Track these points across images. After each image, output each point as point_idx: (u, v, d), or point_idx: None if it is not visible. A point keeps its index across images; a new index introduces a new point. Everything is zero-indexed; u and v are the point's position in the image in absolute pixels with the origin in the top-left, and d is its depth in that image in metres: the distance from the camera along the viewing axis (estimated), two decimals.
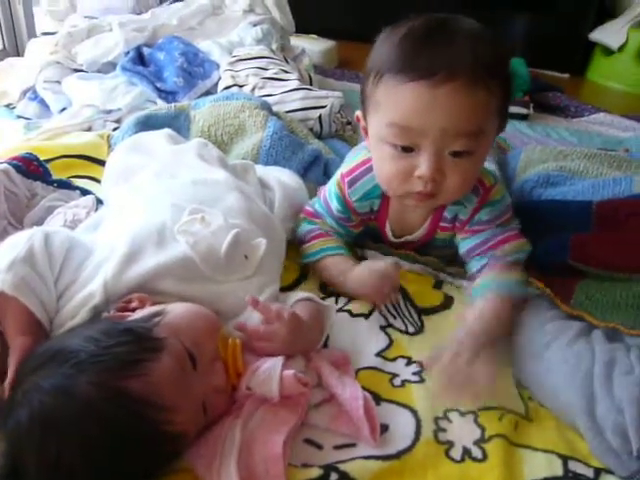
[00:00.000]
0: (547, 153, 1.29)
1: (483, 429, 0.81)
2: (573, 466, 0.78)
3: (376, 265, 1.02)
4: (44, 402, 0.63)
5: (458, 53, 0.85)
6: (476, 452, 0.78)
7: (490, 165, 1.14)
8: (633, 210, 0.99)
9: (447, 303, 1.05)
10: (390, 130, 0.90)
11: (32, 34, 2.21)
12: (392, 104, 0.89)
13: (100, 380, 0.65)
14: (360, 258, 1.12)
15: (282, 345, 0.82)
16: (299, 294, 0.94)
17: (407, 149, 0.89)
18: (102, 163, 1.30)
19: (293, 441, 0.76)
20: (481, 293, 0.98)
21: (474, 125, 0.87)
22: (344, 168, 1.09)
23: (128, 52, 1.86)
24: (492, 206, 1.02)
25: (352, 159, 1.11)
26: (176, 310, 0.77)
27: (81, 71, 1.85)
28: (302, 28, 2.40)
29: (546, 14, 2.86)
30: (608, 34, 2.80)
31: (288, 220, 1.13)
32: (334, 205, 1.10)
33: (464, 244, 1.06)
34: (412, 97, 0.86)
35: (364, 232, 1.16)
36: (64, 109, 1.68)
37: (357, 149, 1.30)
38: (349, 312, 1.00)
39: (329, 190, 1.11)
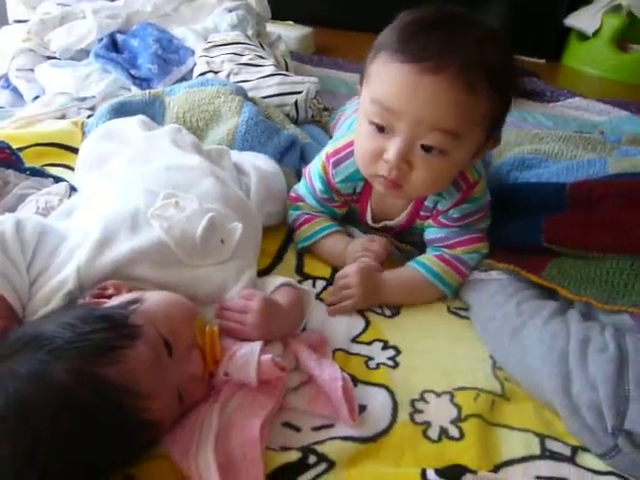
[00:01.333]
0: (522, 136, 1.30)
1: (459, 408, 0.82)
2: (550, 444, 0.79)
3: (362, 237, 1.08)
4: (19, 389, 0.62)
5: (455, 46, 0.82)
6: (453, 431, 0.79)
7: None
8: (607, 191, 1.00)
9: None
10: (371, 106, 0.89)
11: (4, 21, 2.17)
12: (379, 80, 0.88)
13: (76, 366, 0.64)
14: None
15: (256, 330, 0.82)
16: (278, 279, 0.94)
17: (382, 129, 0.88)
18: (76, 151, 1.28)
19: (271, 425, 0.76)
20: (411, 262, 1.06)
21: (452, 124, 0.84)
22: (330, 147, 1.09)
23: (102, 39, 1.83)
24: (469, 203, 1.02)
25: (340, 137, 1.11)
26: (153, 298, 0.77)
27: (54, 58, 1.82)
28: (278, 15, 2.39)
29: (521, 0, 2.87)
30: (583, 20, 2.82)
31: (264, 205, 1.13)
32: (317, 186, 1.11)
33: (428, 232, 1.08)
34: (397, 78, 0.84)
35: (345, 215, 1.17)
36: (37, 97, 1.65)
37: (346, 123, 1.31)
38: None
39: (313, 170, 1.12)
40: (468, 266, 1.04)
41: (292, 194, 1.17)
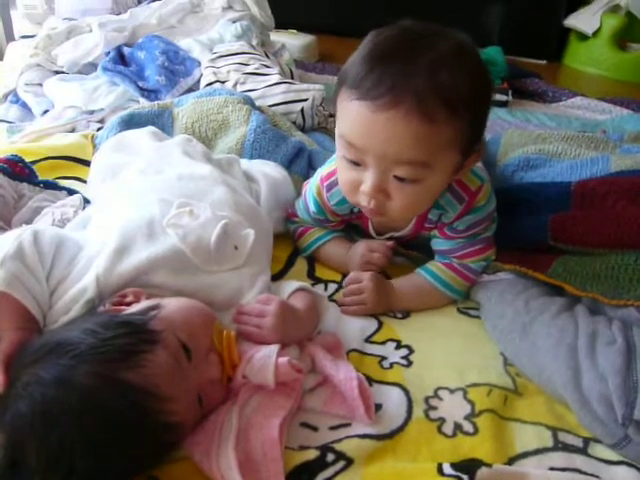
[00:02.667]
0: (526, 137, 1.31)
1: (473, 404, 0.84)
2: (562, 437, 0.81)
3: (365, 245, 1.09)
4: (45, 394, 0.64)
5: (408, 79, 0.80)
6: (467, 427, 0.80)
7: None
8: (611, 188, 1.01)
9: None
10: (340, 141, 0.89)
11: (10, 37, 2.21)
12: (342, 117, 0.88)
13: (100, 371, 0.66)
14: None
15: (273, 333, 0.84)
16: (294, 284, 0.96)
17: (356, 163, 0.88)
18: (87, 164, 1.30)
19: (289, 425, 0.77)
20: (420, 270, 1.08)
21: (416, 156, 0.83)
22: (324, 170, 1.09)
23: (108, 52, 1.86)
24: (475, 213, 1.00)
25: (332, 160, 1.09)
26: (171, 304, 0.78)
27: (62, 73, 1.85)
28: (282, 24, 2.41)
29: (521, 2, 2.89)
30: (582, 20, 2.84)
31: (274, 211, 1.16)
32: (311, 207, 1.12)
33: (435, 242, 1.08)
34: (356, 116, 0.83)
35: (348, 226, 1.18)
36: (46, 111, 1.68)
37: None
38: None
39: (309, 191, 1.12)
40: (476, 273, 1.05)
41: (290, 209, 1.19)
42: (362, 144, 0.84)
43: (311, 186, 1.11)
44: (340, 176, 0.95)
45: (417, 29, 0.86)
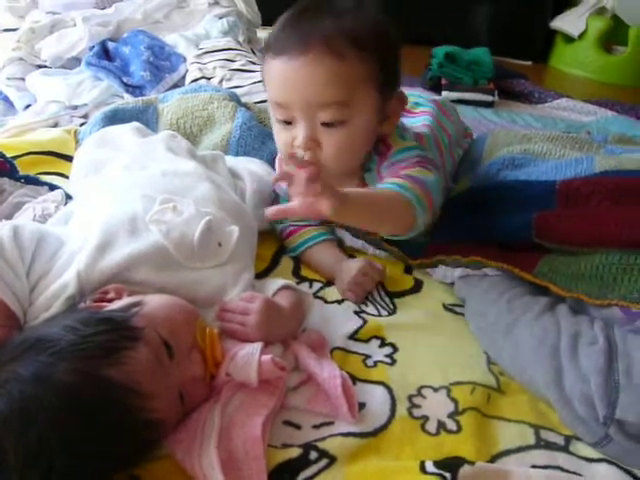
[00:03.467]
0: (512, 137, 1.31)
1: (456, 402, 0.84)
2: (545, 435, 0.81)
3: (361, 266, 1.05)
4: (24, 391, 0.63)
5: (315, 27, 0.88)
6: (451, 425, 0.80)
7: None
8: (595, 188, 1.01)
9: (417, 286, 1.09)
10: (270, 106, 0.97)
11: None
12: (266, 81, 0.96)
13: (80, 368, 0.65)
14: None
15: (257, 331, 0.83)
16: (278, 282, 0.95)
17: (287, 122, 0.94)
18: (69, 159, 1.29)
19: (272, 423, 0.77)
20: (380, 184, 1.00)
21: (337, 96, 0.90)
22: None
23: (93, 47, 1.85)
24: (395, 155, 1.02)
25: None
26: (154, 301, 0.78)
27: (45, 67, 1.84)
28: (268, 21, 2.40)
29: (508, 3, 2.91)
30: (568, 22, 2.86)
31: (260, 208, 1.14)
32: (283, 185, 1.11)
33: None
34: (276, 73, 0.92)
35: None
36: (29, 106, 1.66)
37: None
38: (323, 299, 1.03)
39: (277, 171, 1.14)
40: (426, 185, 0.95)
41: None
42: (285, 98, 0.92)
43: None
44: (277, 140, 1.02)
45: None
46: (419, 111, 1.27)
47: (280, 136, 0.98)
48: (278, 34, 0.92)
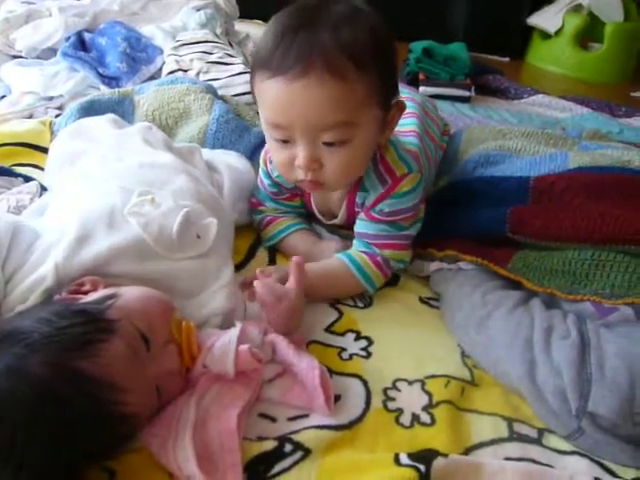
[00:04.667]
0: (487, 132, 1.32)
1: (431, 395, 0.84)
2: (518, 427, 0.82)
3: (334, 249, 1.07)
4: None
5: (314, 45, 0.83)
6: (425, 417, 0.81)
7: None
8: (568, 184, 1.02)
9: (394, 280, 1.09)
10: (265, 126, 0.93)
11: None
12: (261, 101, 0.91)
13: (53, 360, 0.65)
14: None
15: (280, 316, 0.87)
16: None
17: (285, 141, 0.91)
18: (45, 150, 1.28)
19: (248, 416, 0.77)
20: (341, 256, 1.04)
21: (339, 117, 0.86)
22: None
23: (69, 37, 1.83)
24: (398, 198, 1.01)
25: None
26: (129, 293, 0.77)
27: (20, 57, 1.81)
28: (246, 14, 2.39)
29: (485, 0, 2.92)
30: (545, 19, 2.88)
31: (238, 202, 1.15)
32: (265, 181, 1.13)
33: (358, 225, 1.06)
34: (273, 94, 0.87)
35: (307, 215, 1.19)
36: (3, 97, 1.64)
37: None
38: None
39: (260, 165, 1.13)
40: (391, 270, 1.05)
41: (252, 199, 1.18)
42: (286, 121, 0.88)
43: (260, 160, 1.13)
44: (274, 158, 0.98)
45: (313, 2, 0.90)
46: (406, 112, 1.27)
47: (278, 155, 0.95)
48: (274, 51, 0.85)
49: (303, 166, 0.91)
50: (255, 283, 0.87)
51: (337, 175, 0.93)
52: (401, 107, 0.98)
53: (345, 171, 0.94)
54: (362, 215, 1.05)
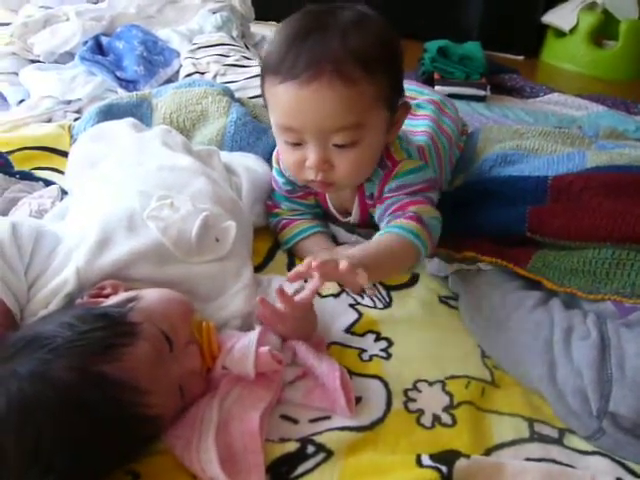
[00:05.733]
0: (504, 132, 1.32)
1: (451, 396, 0.85)
2: (539, 428, 0.82)
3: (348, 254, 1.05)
4: (22, 388, 0.63)
5: (324, 51, 0.86)
6: (446, 418, 0.81)
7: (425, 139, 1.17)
8: (586, 184, 1.02)
9: (414, 280, 1.09)
10: (277, 129, 0.95)
11: None
12: (272, 105, 0.94)
13: (77, 365, 0.65)
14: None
15: (289, 329, 0.85)
16: (292, 287, 0.93)
17: (296, 143, 0.93)
18: (64, 154, 1.29)
19: (269, 417, 0.78)
20: (383, 231, 0.99)
21: (349, 120, 0.89)
22: None
23: (86, 42, 1.85)
24: (401, 177, 1.02)
25: None
26: (150, 295, 0.78)
27: (38, 62, 1.83)
28: (262, 16, 2.40)
29: None
30: (559, 17, 2.86)
31: (256, 205, 1.16)
32: (279, 180, 1.14)
33: (377, 213, 1.06)
34: (284, 98, 0.89)
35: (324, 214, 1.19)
36: (22, 101, 1.65)
37: None
38: (318, 294, 1.01)
39: (273, 167, 1.15)
40: (430, 229, 0.97)
41: (268, 202, 1.19)
42: (297, 124, 0.90)
43: (273, 159, 1.14)
44: (285, 160, 1.00)
45: (320, 8, 0.93)
46: (420, 114, 1.27)
47: (289, 156, 0.97)
48: (284, 56, 0.88)
49: (314, 167, 0.93)
50: (258, 303, 0.85)
51: (347, 175, 0.95)
52: (407, 108, 1.00)
53: (355, 171, 0.96)
54: (376, 206, 1.06)
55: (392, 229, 0.96)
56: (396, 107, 0.97)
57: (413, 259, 0.97)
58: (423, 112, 1.28)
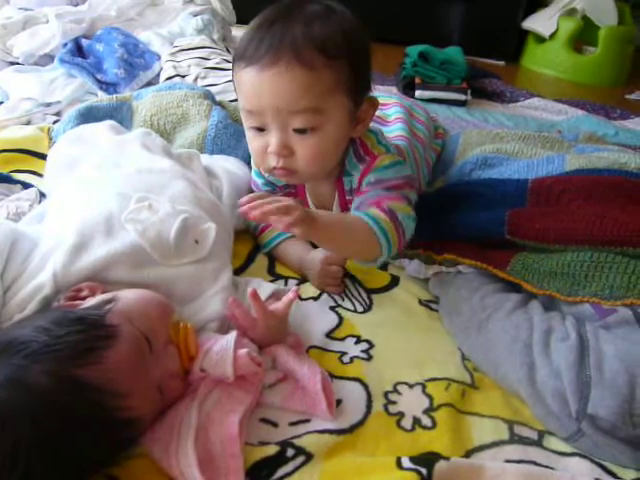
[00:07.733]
0: (484, 136, 1.33)
1: (431, 399, 0.85)
2: (518, 430, 0.83)
3: (323, 258, 1.06)
4: None
5: (285, 36, 0.89)
6: (426, 421, 0.81)
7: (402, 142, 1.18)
8: (566, 187, 1.03)
9: (394, 282, 1.10)
10: (242, 114, 0.98)
11: None
12: (238, 89, 0.97)
13: (54, 370, 0.64)
14: None
15: (258, 335, 0.85)
16: (269, 288, 0.96)
17: (260, 129, 0.95)
18: (43, 157, 1.28)
19: (249, 421, 0.77)
20: (356, 212, 1.00)
21: (307, 104, 0.91)
22: None
23: (66, 44, 1.84)
24: (380, 171, 1.03)
25: None
26: (127, 296, 0.77)
27: (17, 64, 1.82)
28: (243, 19, 2.39)
29: (481, 3, 2.94)
30: (540, 23, 2.90)
31: (236, 207, 1.14)
32: (258, 181, 1.15)
33: (354, 203, 1.04)
34: (247, 82, 0.92)
35: None
36: (1, 103, 1.64)
37: None
38: (299, 297, 1.01)
39: (253, 169, 1.16)
40: (402, 227, 0.97)
41: None
42: (256, 106, 0.93)
43: (252, 161, 1.13)
44: (250, 147, 1.01)
45: (293, 1, 0.96)
46: (392, 119, 1.28)
47: (253, 143, 0.99)
48: (249, 43, 0.92)
49: (275, 152, 0.95)
50: (228, 308, 0.87)
51: (307, 162, 0.96)
52: (374, 103, 1.01)
53: (315, 158, 0.97)
54: (355, 197, 1.05)
55: (360, 214, 0.98)
56: (360, 99, 0.98)
57: (372, 249, 0.96)
58: (395, 116, 1.29)
